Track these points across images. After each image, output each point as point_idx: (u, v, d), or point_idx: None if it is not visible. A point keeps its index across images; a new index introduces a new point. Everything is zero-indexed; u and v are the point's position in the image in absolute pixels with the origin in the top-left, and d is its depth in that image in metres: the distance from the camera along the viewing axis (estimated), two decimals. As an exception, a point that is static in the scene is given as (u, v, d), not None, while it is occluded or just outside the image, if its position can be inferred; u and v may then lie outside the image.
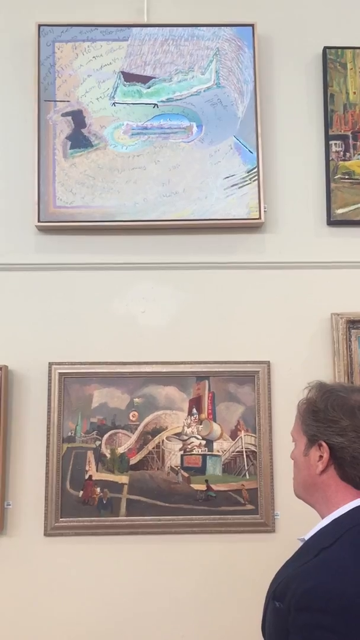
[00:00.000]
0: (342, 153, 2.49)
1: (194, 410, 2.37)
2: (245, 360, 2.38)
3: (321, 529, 1.33)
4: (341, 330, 2.38)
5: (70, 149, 2.44)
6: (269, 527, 2.31)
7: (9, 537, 2.30)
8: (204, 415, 2.37)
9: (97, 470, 2.33)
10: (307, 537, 1.35)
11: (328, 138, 2.49)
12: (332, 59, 2.52)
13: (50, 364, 2.36)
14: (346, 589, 1.14)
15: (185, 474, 2.33)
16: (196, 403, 2.38)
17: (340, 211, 2.47)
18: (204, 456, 2.35)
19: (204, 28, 2.49)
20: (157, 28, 2.49)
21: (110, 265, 2.44)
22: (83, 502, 2.31)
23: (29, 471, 2.33)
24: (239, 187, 2.43)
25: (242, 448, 2.35)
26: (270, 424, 2.35)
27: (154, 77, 2.47)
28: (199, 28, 2.49)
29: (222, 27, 2.49)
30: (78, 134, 2.45)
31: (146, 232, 2.46)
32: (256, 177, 2.43)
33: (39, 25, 2.46)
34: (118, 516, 2.30)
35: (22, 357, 2.38)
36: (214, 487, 2.33)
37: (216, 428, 2.37)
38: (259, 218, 2.42)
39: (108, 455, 2.34)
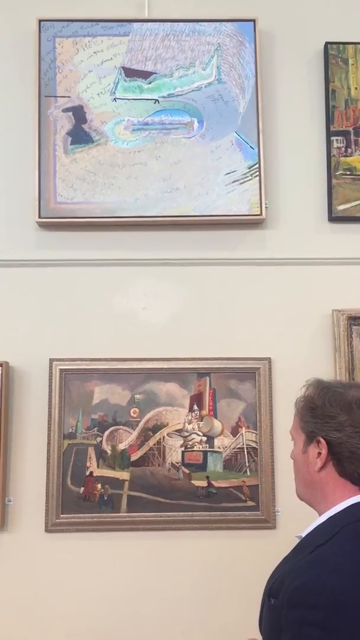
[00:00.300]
0: (343, 149, 2.48)
1: (195, 407, 2.37)
2: (246, 357, 2.38)
3: (317, 526, 1.33)
4: (342, 327, 2.37)
5: (71, 144, 2.43)
6: (269, 523, 2.31)
7: (9, 533, 2.30)
8: (204, 412, 2.37)
9: (98, 467, 2.33)
10: (303, 535, 1.36)
11: (329, 134, 2.49)
12: (333, 55, 2.51)
13: (51, 360, 2.36)
14: (339, 585, 1.14)
15: (186, 471, 2.33)
16: (197, 399, 2.38)
17: (341, 207, 2.47)
18: (204, 453, 2.35)
19: (205, 23, 2.48)
20: (158, 23, 2.48)
21: (111, 261, 2.44)
22: (84, 498, 2.31)
23: (29, 467, 2.33)
24: (240, 183, 2.43)
25: (243, 444, 2.35)
26: (271, 421, 2.35)
27: (155, 73, 2.46)
28: (200, 23, 2.48)
29: (224, 23, 2.48)
30: (79, 130, 2.44)
31: (147, 228, 2.45)
32: (257, 173, 2.43)
33: (40, 21, 2.45)
34: (119, 512, 2.30)
35: (22, 353, 2.37)
36: (215, 483, 2.33)
37: (217, 424, 2.36)
38: (260, 214, 2.41)
39: (109, 452, 2.34)
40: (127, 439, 2.35)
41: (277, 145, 2.51)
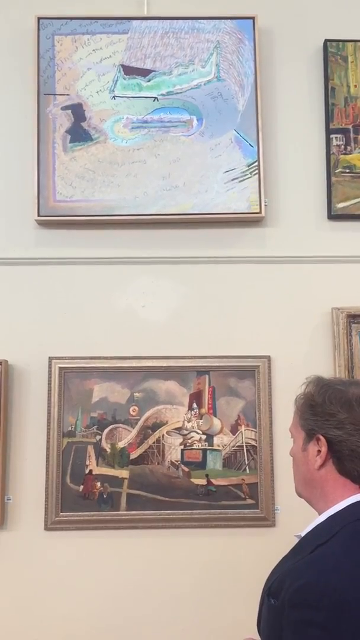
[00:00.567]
0: (343, 147, 2.48)
1: (195, 405, 2.37)
2: (246, 355, 2.38)
3: (317, 525, 1.32)
4: (342, 325, 2.37)
5: (70, 142, 2.43)
6: (269, 521, 2.31)
7: (9, 532, 2.30)
8: (204, 410, 2.37)
9: (97, 465, 2.33)
10: (303, 534, 1.35)
11: (329, 132, 2.48)
12: (333, 52, 2.51)
13: (51, 359, 2.36)
14: (340, 585, 1.13)
15: (186, 469, 2.33)
16: (196, 398, 2.37)
17: (340, 205, 2.46)
18: (204, 451, 2.35)
19: (205, 21, 2.47)
20: (157, 21, 2.47)
21: (111, 259, 2.44)
22: (83, 496, 2.31)
23: (29, 466, 2.33)
24: (240, 181, 2.43)
25: (242, 443, 2.35)
26: (271, 419, 2.35)
27: (154, 71, 2.46)
28: (199, 21, 2.47)
29: (223, 20, 2.47)
30: (78, 128, 2.44)
31: (146, 226, 2.45)
32: (257, 171, 2.43)
33: (39, 19, 2.45)
34: (118, 511, 2.30)
35: (22, 351, 2.37)
36: (214, 481, 2.33)
37: (216, 423, 2.36)
38: (260, 212, 2.41)
39: (108, 450, 2.33)
40: (126, 437, 2.34)
41: (276, 143, 2.50)
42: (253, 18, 2.47)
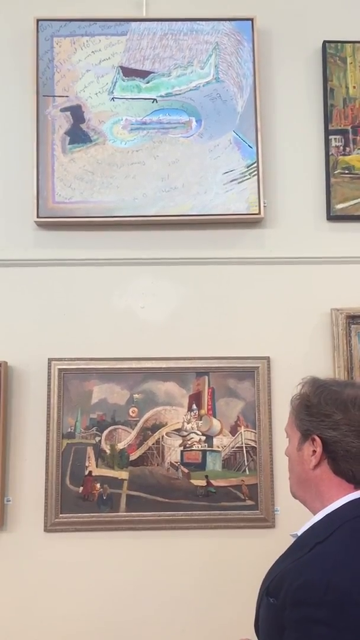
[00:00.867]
0: (341, 148, 2.48)
1: (194, 406, 2.37)
2: (245, 356, 2.38)
3: (315, 524, 1.32)
4: (341, 326, 2.37)
5: (69, 144, 2.43)
6: (268, 522, 2.31)
7: (9, 533, 2.30)
8: (203, 411, 2.37)
9: (97, 466, 2.33)
10: (300, 533, 1.35)
11: (328, 133, 2.49)
12: (331, 53, 2.51)
13: (50, 360, 2.36)
14: (341, 582, 1.14)
15: (185, 470, 2.33)
16: (196, 399, 2.37)
17: (340, 206, 2.47)
18: (203, 452, 2.35)
19: (203, 22, 2.48)
20: (156, 22, 2.48)
21: (110, 260, 2.44)
22: (83, 497, 2.31)
23: (28, 467, 2.33)
24: (239, 182, 2.43)
25: (242, 444, 2.35)
26: (270, 420, 2.35)
27: (153, 72, 2.46)
28: (198, 22, 2.48)
29: (222, 22, 2.48)
30: (77, 129, 2.44)
31: (145, 227, 2.45)
32: (256, 172, 2.43)
33: (38, 20, 2.45)
34: (118, 512, 2.30)
35: (21, 353, 2.37)
36: (214, 482, 2.33)
37: (216, 424, 2.36)
38: (259, 213, 2.41)
39: (108, 451, 2.33)
40: (126, 438, 2.34)
41: (275, 144, 2.51)
42: (252, 19, 2.47)
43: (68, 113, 2.44)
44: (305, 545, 1.27)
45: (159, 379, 2.37)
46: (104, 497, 2.31)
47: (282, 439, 2.17)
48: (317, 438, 1.34)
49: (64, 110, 2.44)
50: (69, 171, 2.42)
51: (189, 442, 2.35)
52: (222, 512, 2.31)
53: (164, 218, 2.42)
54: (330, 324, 2.40)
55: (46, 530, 2.29)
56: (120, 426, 2.35)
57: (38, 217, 2.40)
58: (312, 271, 2.45)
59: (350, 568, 1.16)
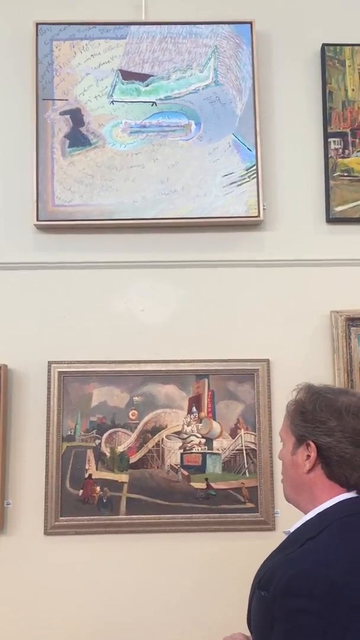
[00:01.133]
0: (341, 150, 2.49)
1: (194, 409, 2.37)
2: (245, 358, 2.38)
3: (307, 522, 1.36)
4: (340, 328, 2.37)
5: (68, 147, 2.44)
6: (268, 525, 2.31)
7: (8, 536, 2.30)
8: (203, 414, 2.37)
9: (96, 469, 2.33)
10: (292, 530, 1.39)
11: (327, 135, 2.49)
12: (330, 56, 2.52)
13: (50, 363, 2.36)
14: (332, 574, 1.17)
15: (185, 473, 2.33)
16: (196, 401, 2.37)
17: (339, 209, 2.47)
18: (203, 454, 2.35)
19: (202, 26, 2.48)
20: (155, 26, 2.48)
21: (109, 263, 2.44)
22: (83, 500, 2.31)
23: (28, 470, 2.33)
24: (238, 185, 2.43)
25: (241, 446, 2.35)
26: (270, 422, 2.35)
27: (152, 75, 2.47)
28: (197, 26, 2.48)
29: (221, 25, 2.48)
30: (76, 133, 2.44)
31: (145, 230, 2.45)
32: (255, 175, 2.43)
33: (37, 24, 2.46)
34: (118, 515, 2.30)
35: (21, 356, 2.38)
36: (214, 485, 2.33)
37: (216, 426, 2.36)
38: (258, 216, 2.42)
39: (108, 454, 2.33)
40: (125, 441, 2.34)
41: (274, 147, 2.51)
42: (251, 23, 2.48)
43: (67, 116, 2.45)
44: (297, 541, 1.30)
45: (159, 382, 2.37)
46: (104, 500, 2.31)
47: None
48: (311, 443, 1.37)
49: (63, 113, 2.45)
50: (68, 174, 2.42)
51: (189, 445, 2.35)
52: (222, 514, 2.31)
53: (163, 221, 2.42)
54: (330, 326, 2.40)
55: (46, 533, 2.29)
56: (120, 429, 2.35)
57: (38, 220, 2.40)
58: (312, 273, 2.45)
59: (341, 561, 1.19)
